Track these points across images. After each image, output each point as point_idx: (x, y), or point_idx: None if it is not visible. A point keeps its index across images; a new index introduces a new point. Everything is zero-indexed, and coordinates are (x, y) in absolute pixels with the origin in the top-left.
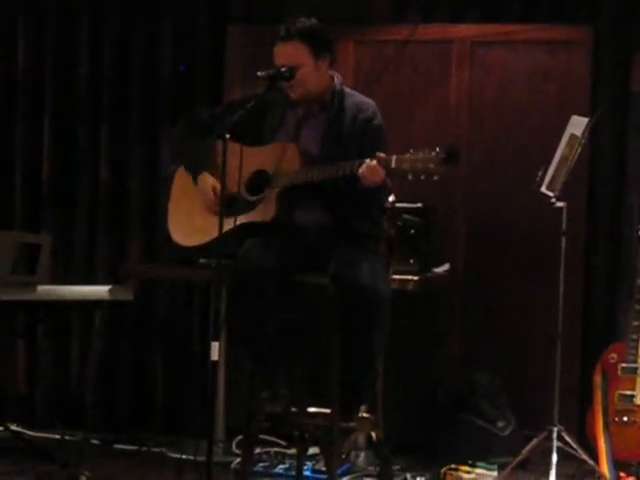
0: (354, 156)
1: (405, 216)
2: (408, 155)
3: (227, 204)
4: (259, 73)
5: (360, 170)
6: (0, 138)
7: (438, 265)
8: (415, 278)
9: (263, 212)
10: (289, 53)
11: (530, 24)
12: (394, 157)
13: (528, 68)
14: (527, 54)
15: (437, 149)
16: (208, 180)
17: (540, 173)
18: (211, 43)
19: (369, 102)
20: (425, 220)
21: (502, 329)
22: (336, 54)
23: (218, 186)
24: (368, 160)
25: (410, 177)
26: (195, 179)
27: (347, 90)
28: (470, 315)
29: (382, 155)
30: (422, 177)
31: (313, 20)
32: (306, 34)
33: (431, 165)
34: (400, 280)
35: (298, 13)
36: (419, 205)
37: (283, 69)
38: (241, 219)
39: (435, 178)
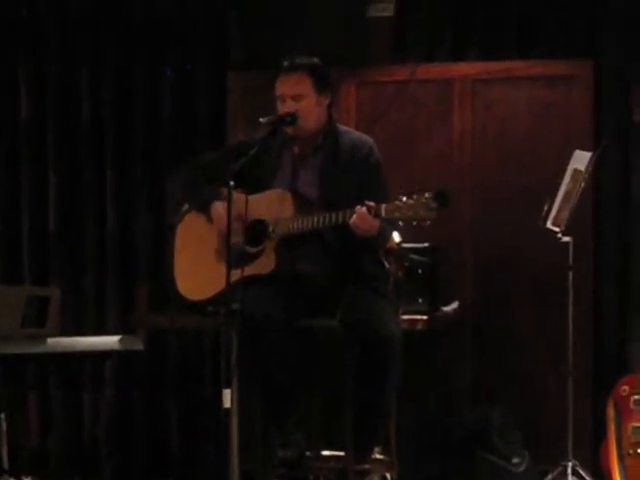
0: (354, 195)
1: (412, 256)
2: (398, 203)
3: (234, 253)
4: (261, 119)
5: (351, 220)
6: (5, 191)
7: (447, 304)
8: (424, 317)
9: (263, 264)
10: (293, 83)
11: (530, 60)
12: (383, 205)
13: (529, 104)
14: (528, 90)
15: (427, 194)
16: (221, 208)
17: (545, 208)
18: (212, 89)
19: (366, 139)
20: (432, 259)
21: (513, 365)
22: (335, 96)
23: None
24: (359, 207)
25: (401, 224)
26: (209, 215)
27: (342, 128)
28: (481, 352)
29: (371, 204)
30: (414, 223)
31: (315, 57)
32: (310, 67)
33: (421, 212)
34: (409, 320)
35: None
36: (426, 245)
37: (285, 114)
38: (244, 271)
39: (427, 224)
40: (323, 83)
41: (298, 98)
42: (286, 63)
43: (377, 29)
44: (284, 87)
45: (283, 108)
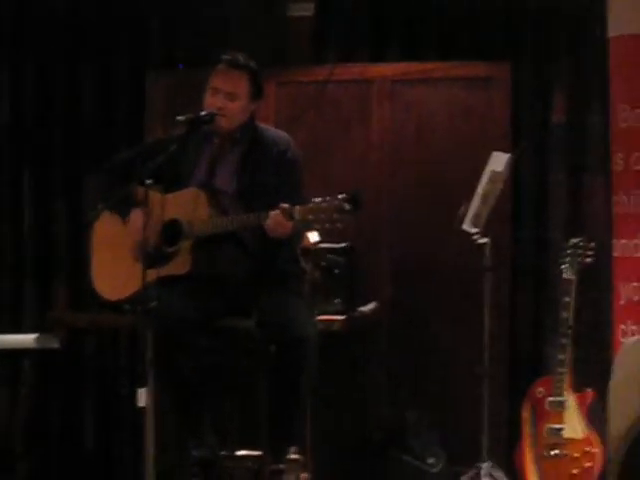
0: (270, 191)
1: (329, 256)
2: (311, 205)
3: (149, 254)
4: (179, 118)
5: (265, 223)
6: None
7: (364, 304)
8: (341, 317)
9: (179, 265)
10: (234, 81)
11: (449, 62)
12: (297, 208)
13: (448, 105)
14: (447, 91)
15: (340, 197)
16: (138, 215)
17: (461, 210)
18: (131, 88)
19: (283, 135)
20: (349, 259)
21: (430, 366)
22: None
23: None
24: (273, 211)
25: (316, 227)
26: (123, 217)
27: (260, 125)
28: (398, 353)
29: (284, 206)
30: (327, 226)
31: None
32: (251, 71)
33: (335, 215)
34: (326, 320)
35: (217, 56)
36: (343, 245)
37: (203, 113)
38: (160, 271)
39: (339, 226)
40: (258, 90)
41: (231, 97)
42: (230, 57)
43: (297, 29)
44: (220, 81)
45: (213, 101)
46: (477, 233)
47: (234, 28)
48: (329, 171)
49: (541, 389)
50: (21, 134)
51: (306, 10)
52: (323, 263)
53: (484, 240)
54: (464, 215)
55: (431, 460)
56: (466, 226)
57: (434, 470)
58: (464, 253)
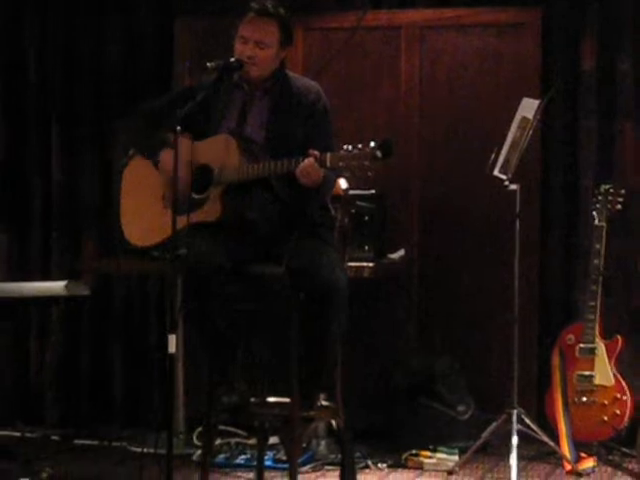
0: (300, 139)
1: (359, 203)
2: (342, 152)
3: (179, 200)
4: (208, 64)
5: (297, 170)
6: None
7: (394, 251)
8: (370, 265)
9: (209, 211)
10: (263, 29)
11: (479, 7)
12: (328, 155)
13: (478, 52)
14: (477, 38)
15: (371, 144)
16: (170, 159)
17: (492, 156)
18: (159, 36)
19: (313, 85)
20: (379, 207)
21: (459, 313)
22: None
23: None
24: (305, 157)
25: (347, 174)
26: (155, 161)
27: (291, 74)
28: (427, 300)
29: (316, 153)
30: (357, 173)
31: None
32: (280, 18)
33: (365, 162)
34: (356, 267)
35: (246, 4)
36: (372, 192)
37: (233, 60)
38: (190, 218)
39: (370, 174)
40: (288, 37)
41: (261, 45)
42: (259, 6)
43: None
44: (250, 30)
45: (242, 49)
46: (507, 179)
47: None
48: (359, 118)
49: (571, 336)
50: (49, 84)
51: None
52: (353, 210)
53: (514, 186)
54: (495, 161)
55: (461, 407)
56: (496, 172)
57: (464, 417)
58: (494, 200)
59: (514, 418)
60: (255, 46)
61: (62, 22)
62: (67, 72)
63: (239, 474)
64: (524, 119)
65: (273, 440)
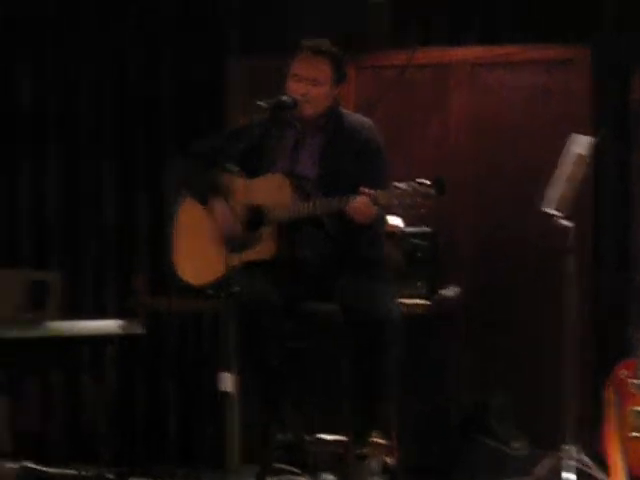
0: (353, 177)
1: (412, 240)
2: (395, 190)
3: (233, 239)
4: (260, 103)
5: (349, 207)
6: (4, 175)
7: (446, 288)
8: (424, 301)
9: (262, 250)
10: (317, 67)
11: (528, 45)
12: (381, 193)
13: (527, 88)
14: (526, 74)
15: (424, 182)
16: (221, 203)
17: (545, 192)
18: (211, 74)
19: (366, 121)
20: (431, 243)
21: (513, 349)
22: None
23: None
24: (357, 195)
25: (400, 212)
26: (205, 204)
27: (344, 111)
28: (480, 336)
29: (369, 191)
30: (410, 211)
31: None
32: (334, 56)
33: (418, 200)
34: (408, 304)
35: (298, 43)
36: (425, 229)
37: (286, 98)
38: (243, 257)
39: (423, 211)
40: (341, 75)
41: (314, 82)
42: (310, 44)
43: (376, 13)
44: (303, 68)
45: (296, 87)
46: (560, 215)
47: (313, 13)
48: (409, 155)
49: (625, 371)
50: (103, 124)
51: None
52: (406, 247)
53: (567, 222)
54: (548, 198)
55: (514, 443)
56: (549, 208)
57: (517, 453)
58: (546, 235)
59: (568, 454)
60: (308, 84)
61: (116, 55)
62: (120, 110)
63: None
64: (579, 156)
65: (327, 477)
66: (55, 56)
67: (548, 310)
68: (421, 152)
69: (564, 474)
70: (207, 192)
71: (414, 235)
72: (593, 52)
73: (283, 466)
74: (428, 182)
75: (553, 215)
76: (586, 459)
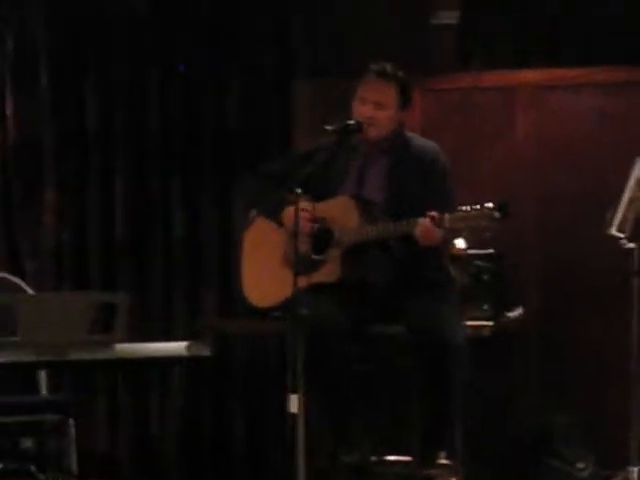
0: (419, 200)
1: (477, 262)
2: (460, 213)
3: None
4: (327, 127)
5: (415, 231)
6: (73, 197)
7: (512, 310)
8: (490, 324)
9: (329, 272)
10: (382, 91)
11: (592, 67)
12: (447, 216)
13: (591, 110)
14: (590, 96)
15: (489, 205)
16: (292, 213)
17: (609, 215)
18: (278, 96)
19: (432, 145)
20: (497, 266)
21: (578, 370)
22: None
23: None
24: (423, 219)
25: (465, 235)
26: (278, 220)
27: (409, 134)
28: (546, 358)
29: (434, 214)
30: (476, 234)
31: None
32: (400, 81)
33: (483, 222)
34: (475, 326)
35: (364, 65)
36: (491, 251)
37: (352, 122)
38: (310, 279)
39: (488, 234)
40: (406, 99)
41: (379, 106)
42: (377, 68)
43: (441, 37)
44: (369, 91)
45: (362, 111)
46: (625, 238)
47: (380, 37)
48: (475, 178)
49: None
50: (171, 143)
51: (451, 18)
52: (471, 269)
53: (632, 245)
54: (611, 220)
55: (580, 465)
56: (613, 231)
57: (583, 475)
58: (612, 258)
59: (635, 475)
60: (374, 107)
61: (186, 76)
62: (189, 126)
63: None
64: None
65: None
66: (120, 79)
67: (613, 331)
68: (486, 175)
69: None
70: (279, 209)
71: (479, 257)
72: None
73: None
74: (492, 205)
75: (617, 237)
76: None
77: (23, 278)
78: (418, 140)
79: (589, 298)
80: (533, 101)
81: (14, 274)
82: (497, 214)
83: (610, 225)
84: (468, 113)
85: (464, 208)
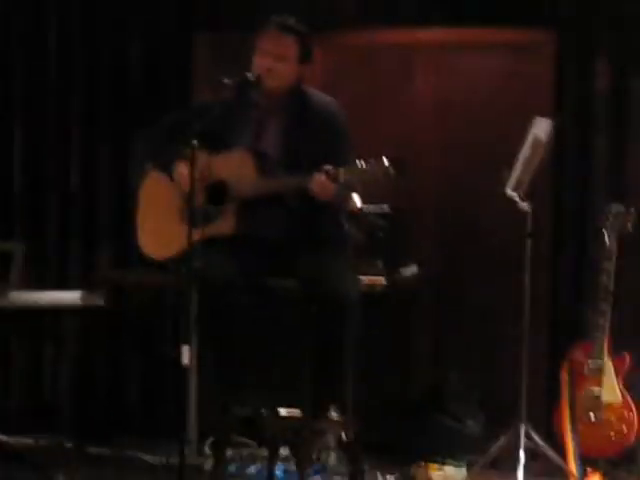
0: (316, 155)
1: (372, 218)
2: (356, 168)
3: (195, 214)
4: (225, 80)
5: (310, 185)
6: None
7: (406, 267)
8: (383, 280)
9: (223, 225)
10: (283, 43)
11: (494, 28)
12: (341, 170)
13: (493, 71)
14: (492, 58)
15: (385, 159)
16: (184, 169)
17: (503, 175)
18: (178, 50)
19: (331, 100)
20: (392, 223)
21: (471, 328)
22: None
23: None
24: (318, 173)
25: (360, 189)
26: (171, 174)
27: (307, 89)
28: (439, 315)
29: (329, 168)
30: (370, 189)
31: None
32: (301, 35)
33: (379, 177)
34: (368, 283)
35: (265, 20)
36: (386, 208)
37: (249, 75)
38: (204, 231)
39: (382, 189)
40: (306, 53)
41: (279, 59)
42: (278, 21)
43: None
44: (269, 43)
45: (261, 62)
46: (519, 198)
47: None
48: (372, 136)
49: (580, 353)
50: (69, 94)
51: None
52: (366, 226)
53: (525, 206)
54: (506, 180)
55: (470, 422)
56: (508, 191)
57: (473, 432)
58: (506, 217)
59: (521, 434)
60: (273, 59)
61: (83, 28)
62: (88, 80)
63: None
64: (536, 139)
65: (284, 451)
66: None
67: (507, 291)
68: (385, 132)
69: (518, 453)
70: (173, 162)
71: (374, 214)
72: (559, 37)
73: (240, 439)
74: (387, 161)
75: (512, 197)
76: (539, 439)
77: None
78: (317, 96)
79: (483, 257)
80: (433, 61)
81: None
82: (392, 170)
83: (505, 185)
84: (368, 71)
85: (359, 163)
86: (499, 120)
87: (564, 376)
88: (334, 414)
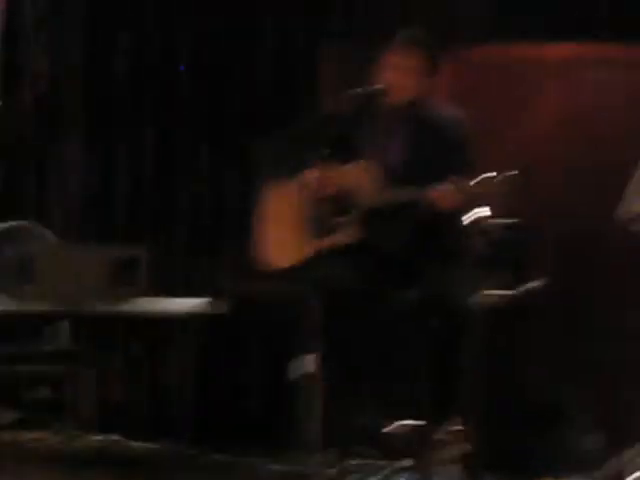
0: (440, 167)
1: (497, 231)
2: (481, 179)
3: (319, 224)
4: (351, 92)
5: (434, 196)
6: (99, 155)
7: (531, 280)
8: (507, 293)
9: (347, 235)
10: (408, 56)
11: (624, 43)
12: (466, 182)
13: (622, 87)
14: (622, 73)
15: (509, 173)
16: (311, 180)
17: (627, 191)
18: (305, 60)
19: (456, 113)
20: (517, 235)
21: (595, 343)
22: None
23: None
24: (443, 184)
25: (485, 202)
26: (296, 183)
27: (434, 102)
28: (563, 329)
29: (454, 179)
30: (496, 201)
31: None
32: (429, 49)
33: (503, 189)
34: (491, 295)
35: (395, 33)
36: (513, 220)
37: (376, 87)
38: (328, 241)
39: (508, 202)
40: (433, 67)
41: (406, 71)
42: (405, 34)
43: (472, 7)
44: (396, 56)
45: (387, 75)
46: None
47: (411, 4)
48: (500, 150)
49: None
50: (197, 104)
51: None
52: (491, 238)
53: None
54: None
55: (592, 438)
56: (627, 210)
57: (595, 447)
58: (634, 238)
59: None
60: (400, 73)
61: (213, 42)
62: (216, 89)
63: None
64: None
65: (405, 463)
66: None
67: (633, 307)
68: (515, 146)
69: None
70: (298, 174)
71: (499, 226)
72: None
73: (363, 449)
74: (512, 173)
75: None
76: None
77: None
78: (442, 108)
79: (610, 274)
80: (564, 75)
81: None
82: (518, 182)
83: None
84: (497, 85)
85: (485, 176)
86: (628, 136)
87: None
88: (456, 426)
